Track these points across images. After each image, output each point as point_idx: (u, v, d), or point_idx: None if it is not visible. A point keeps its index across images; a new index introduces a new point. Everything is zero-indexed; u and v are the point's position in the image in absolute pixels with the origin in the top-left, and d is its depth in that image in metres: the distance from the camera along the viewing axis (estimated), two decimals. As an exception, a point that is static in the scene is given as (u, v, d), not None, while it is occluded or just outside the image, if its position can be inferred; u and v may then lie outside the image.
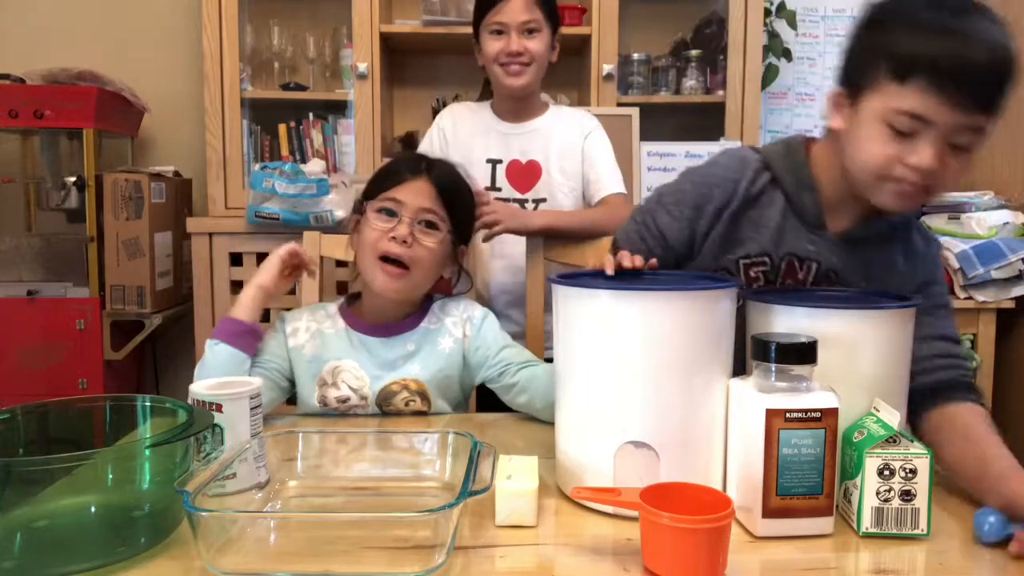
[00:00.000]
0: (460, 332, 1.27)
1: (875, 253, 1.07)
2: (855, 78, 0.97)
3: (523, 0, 1.72)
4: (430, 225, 1.22)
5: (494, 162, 1.77)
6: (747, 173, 1.09)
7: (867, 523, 0.80)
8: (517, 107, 1.78)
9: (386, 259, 1.20)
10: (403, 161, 1.30)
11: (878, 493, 0.80)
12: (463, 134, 1.80)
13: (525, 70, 1.70)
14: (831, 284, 1.07)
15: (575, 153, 1.77)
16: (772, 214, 1.08)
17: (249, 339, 1.19)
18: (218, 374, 1.07)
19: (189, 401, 0.92)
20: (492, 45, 1.71)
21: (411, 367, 1.24)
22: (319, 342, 1.25)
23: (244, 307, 1.21)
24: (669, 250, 1.13)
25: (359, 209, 1.28)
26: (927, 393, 0.99)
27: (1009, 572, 0.75)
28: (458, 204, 1.27)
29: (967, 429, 0.94)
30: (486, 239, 1.58)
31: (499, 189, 1.75)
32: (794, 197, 1.07)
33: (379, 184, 1.25)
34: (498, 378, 1.25)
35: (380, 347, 1.25)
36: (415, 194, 1.22)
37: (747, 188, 1.08)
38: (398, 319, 1.27)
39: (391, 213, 1.21)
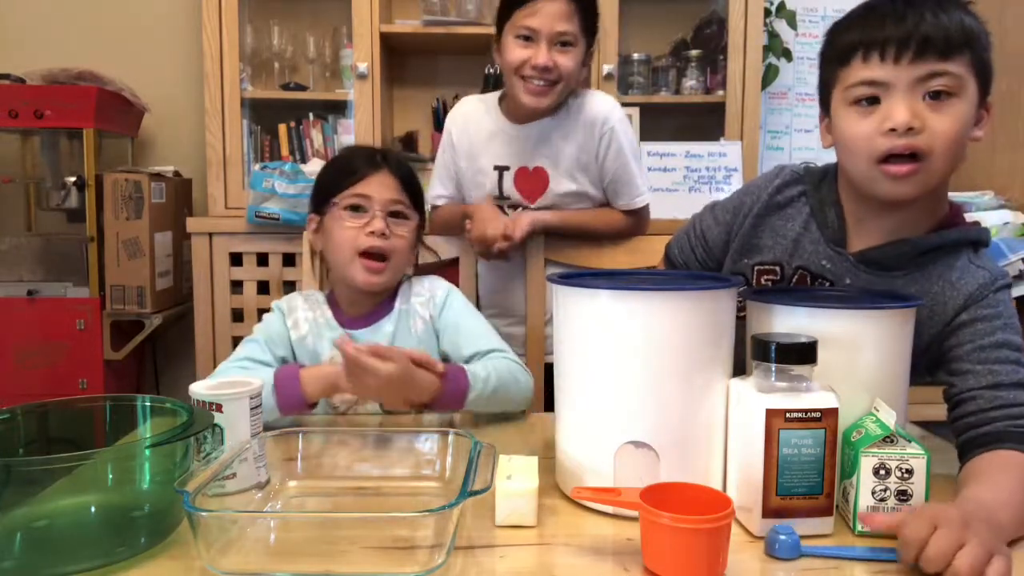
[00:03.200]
0: (427, 312, 1.29)
1: (903, 282, 0.99)
2: (824, 97, 1.01)
3: (562, 5, 1.47)
4: (400, 215, 1.25)
5: (501, 169, 1.61)
6: (776, 182, 1.09)
7: (861, 523, 0.80)
8: (529, 112, 1.57)
9: (365, 255, 1.21)
10: (359, 157, 1.28)
11: (873, 492, 0.80)
12: (471, 139, 1.64)
13: (549, 90, 1.49)
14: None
15: (589, 162, 1.59)
16: (794, 225, 1.06)
17: (293, 407, 1.13)
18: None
19: (189, 401, 0.92)
20: (517, 52, 1.48)
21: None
22: (316, 334, 1.26)
23: (315, 389, 1.13)
24: (709, 252, 1.17)
25: (318, 209, 1.28)
26: (976, 444, 0.90)
27: (1013, 571, 0.75)
28: (415, 190, 1.30)
29: (986, 468, 0.86)
30: (491, 257, 1.52)
31: (507, 198, 1.62)
32: (817, 210, 1.05)
33: (338, 182, 1.25)
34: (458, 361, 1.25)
35: (368, 336, 1.26)
36: (380, 187, 1.23)
37: (772, 194, 1.08)
38: (375, 305, 1.29)
39: (361, 209, 1.23)
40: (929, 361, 0.99)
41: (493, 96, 1.67)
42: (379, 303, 1.29)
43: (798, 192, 1.08)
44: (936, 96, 0.90)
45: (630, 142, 1.61)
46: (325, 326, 1.27)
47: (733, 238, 1.12)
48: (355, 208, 1.23)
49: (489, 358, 1.22)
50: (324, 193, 1.27)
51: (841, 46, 0.95)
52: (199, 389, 0.94)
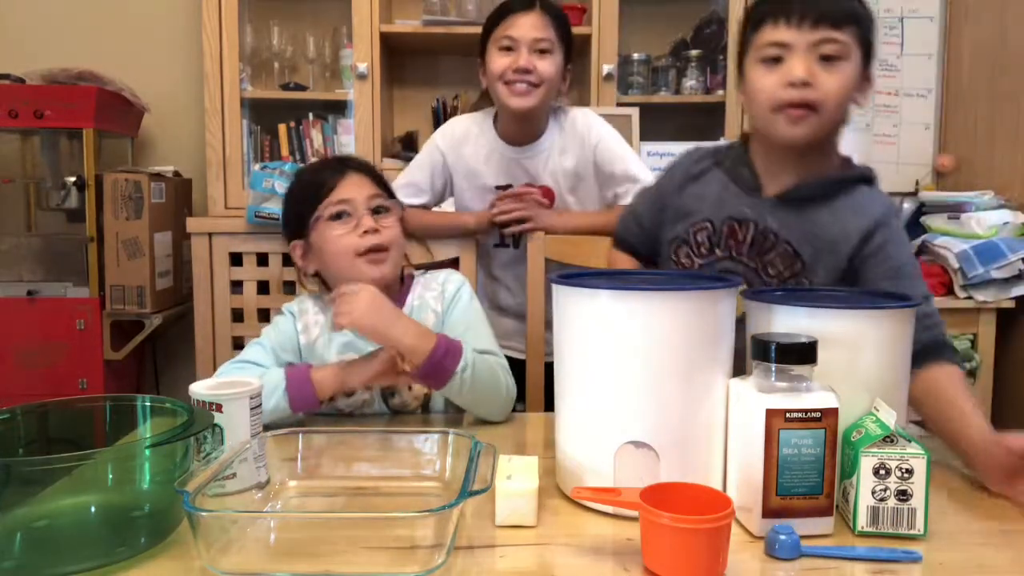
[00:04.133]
0: (439, 306, 1.29)
1: (816, 215, 1.15)
2: (740, 63, 1.18)
3: (537, 17, 1.61)
4: (381, 210, 1.25)
5: (503, 188, 1.70)
6: (690, 158, 1.29)
7: (862, 522, 0.80)
8: (522, 129, 1.67)
9: (364, 254, 1.21)
10: (323, 170, 1.27)
11: (873, 492, 0.80)
12: (466, 162, 1.71)
13: (532, 91, 1.59)
14: (770, 244, 1.17)
15: (587, 175, 1.69)
16: (713, 187, 1.23)
17: (305, 406, 1.15)
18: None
19: (189, 401, 0.92)
20: (499, 61, 1.60)
21: None
22: (326, 337, 1.26)
23: (326, 387, 1.15)
24: (644, 229, 1.34)
25: (297, 235, 1.27)
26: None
27: (1013, 571, 0.75)
28: (384, 182, 1.30)
29: (945, 391, 1.02)
30: (510, 233, 1.57)
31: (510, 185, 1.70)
32: (731, 170, 1.22)
33: (311, 200, 1.24)
34: None
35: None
36: (356, 188, 1.24)
37: (687, 168, 1.27)
38: None
39: (344, 215, 1.22)
40: (849, 276, 1.16)
41: (484, 116, 1.74)
42: (391, 300, 1.27)
43: (709, 164, 1.25)
44: (828, 59, 1.08)
45: (621, 143, 1.70)
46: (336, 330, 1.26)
47: (666, 212, 1.28)
48: (339, 216, 1.22)
49: (482, 356, 1.22)
50: (299, 216, 1.25)
51: (756, 15, 1.13)
52: (199, 389, 0.94)
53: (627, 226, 1.39)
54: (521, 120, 1.65)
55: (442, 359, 1.11)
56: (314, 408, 1.15)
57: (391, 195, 1.30)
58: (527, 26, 1.60)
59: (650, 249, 1.34)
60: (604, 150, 1.67)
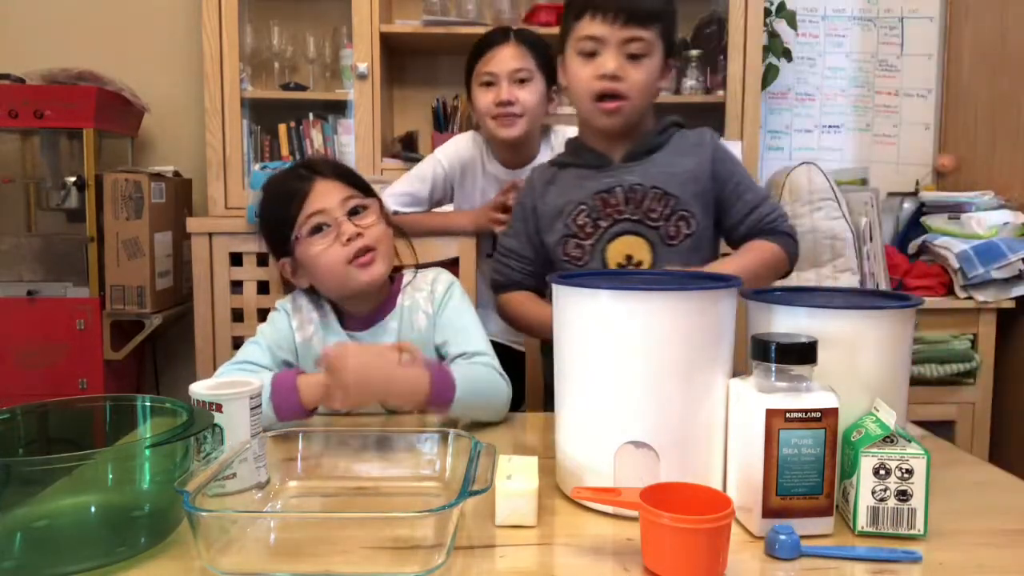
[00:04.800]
0: (429, 307, 1.28)
1: (662, 160, 1.35)
2: (563, 42, 1.34)
3: (512, 48, 1.68)
4: (357, 210, 1.23)
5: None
6: (536, 173, 1.45)
7: (862, 522, 0.80)
8: (516, 154, 1.76)
9: (353, 259, 1.20)
10: (287, 183, 1.24)
11: (873, 492, 0.80)
12: (467, 182, 1.80)
13: (516, 121, 1.67)
14: (641, 194, 1.32)
15: None
16: (569, 180, 1.38)
17: (291, 415, 1.11)
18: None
19: (189, 401, 0.92)
20: (484, 97, 1.69)
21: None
22: (322, 335, 1.26)
23: (312, 396, 1.12)
24: (529, 259, 1.42)
25: (283, 253, 1.24)
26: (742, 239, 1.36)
27: (1013, 571, 0.75)
28: (355, 177, 1.28)
29: (741, 250, 1.35)
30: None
31: None
32: (575, 159, 1.39)
33: (285, 215, 1.21)
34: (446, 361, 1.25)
35: (370, 338, 1.26)
36: (327, 194, 1.21)
37: (538, 180, 1.42)
38: (378, 303, 1.27)
39: (321, 228, 1.20)
40: (715, 199, 1.36)
41: (480, 140, 1.83)
42: (381, 301, 1.28)
43: (554, 169, 1.41)
44: (634, 57, 1.27)
45: None
46: (330, 328, 1.26)
47: (540, 221, 1.39)
48: (318, 229, 1.20)
49: (472, 361, 1.21)
50: (279, 235, 1.23)
51: (576, 6, 1.29)
52: (199, 389, 0.94)
53: (507, 269, 1.43)
54: (512, 147, 1.75)
55: (437, 398, 1.10)
56: (301, 417, 1.11)
57: (365, 189, 1.27)
58: (505, 59, 1.68)
59: (538, 278, 1.40)
60: None
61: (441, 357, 1.26)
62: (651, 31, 1.26)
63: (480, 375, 1.18)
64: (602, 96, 1.28)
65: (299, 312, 1.28)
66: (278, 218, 1.23)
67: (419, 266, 1.35)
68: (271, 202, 1.27)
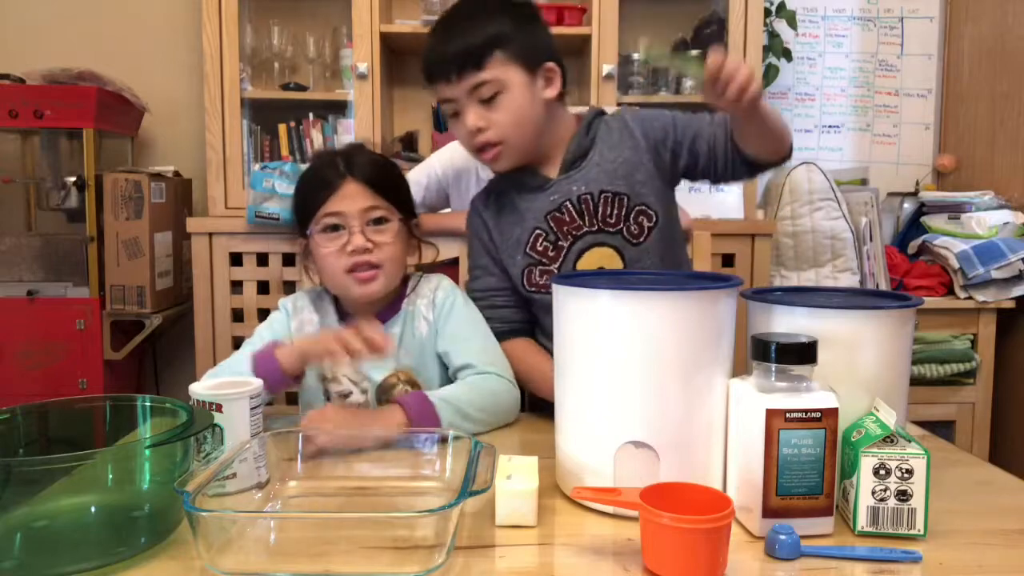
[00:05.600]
0: (430, 315, 1.26)
1: (598, 159, 1.28)
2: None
3: None
4: (379, 221, 1.20)
5: None
6: (476, 203, 1.39)
7: (862, 522, 0.80)
8: None
9: (352, 270, 1.19)
10: (322, 170, 1.22)
11: (874, 492, 0.80)
12: (460, 187, 1.79)
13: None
14: (592, 202, 1.26)
15: None
16: (512, 206, 1.32)
17: (276, 383, 1.12)
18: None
19: (189, 401, 0.92)
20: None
21: (399, 355, 1.24)
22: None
23: (291, 361, 1.13)
24: (502, 290, 1.34)
25: (301, 232, 1.23)
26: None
27: (1013, 571, 0.75)
28: (391, 187, 1.23)
29: None
30: None
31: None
32: (513, 186, 1.32)
33: (309, 201, 1.20)
34: (450, 371, 1.25)
35: None
36: (351, 199, 1.18)
37: (484, 210, 1.36)
38: (382, 308, 1.26)
39: (336, 228, 1.19)
40: (668, 169, 1.30)
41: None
42: (385, 305, 1.27)
43: (491, 196, 1.36)
44: (487, 101, 1.20)
45: None
46: (334, 327, 1.26)
47: (501, 249, 1.33)
48: (333, 227, 1.19)
49: (474, 376, 1.20)
50: (302, 216, 1.23)
51: (425, 77, 1.26)
52: (199, 389, 0.94)
53: (497, 311, 1.33)
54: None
55: (420, 423, 1.09)
56: (288, 385, 1.15)
57: (398, 202, 1.23)
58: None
59: (528, 305, 1.34)
60: None
61: (445, 367, 1.26)
62: (493, 66, 1.19)
63: (480, 388, 1.16)
64: (480, 148, 1.24)
65: (299, 314, 1.28)
66: (302, 202, 1.23)
67: (422, 267, 1.34)
68: (303, 182, 1.25)
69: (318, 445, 0.98)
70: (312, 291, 1.31)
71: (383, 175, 1.23)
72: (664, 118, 1.29)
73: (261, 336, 1.26)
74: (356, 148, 1.25)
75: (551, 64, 1.25)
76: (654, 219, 1.27)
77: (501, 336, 1.30)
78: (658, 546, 0.72)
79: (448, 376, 1.26)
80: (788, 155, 1.24)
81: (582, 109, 1.37)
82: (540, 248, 1.29)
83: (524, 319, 1.34)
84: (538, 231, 1.29)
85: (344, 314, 1.28)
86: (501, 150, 1.23)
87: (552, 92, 1.25)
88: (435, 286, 1.29)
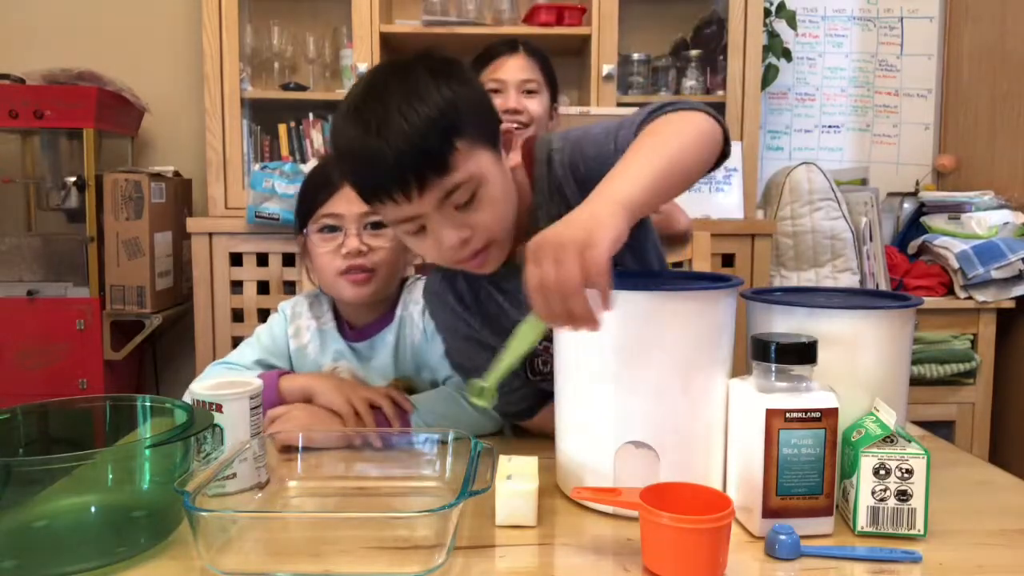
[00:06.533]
0: (422, 323, 1.24)
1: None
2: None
3: (522, 59, 1.67)
4: (377, 226, 1.18)
5: None
6: (435, 293, 1.11)
7: (862, 522, 0.80)
8: None
9: (346, 273, 1.18)
10: (326, 170, 1.20)
11: (873, 492, 0.80)
12: None
13: (524, 131, 1.64)
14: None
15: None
16: (487, 296, 1.07)
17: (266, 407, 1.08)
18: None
19: (189, 401, 0.92)
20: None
21: (394, 364, 1.23)
22: (319, 343, 1.25)
23: (295, 399, 1.11)
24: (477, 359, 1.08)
25: (299, 229, 1.23)
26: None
27: (1013, 571, 0.75)
28: None
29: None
30: None
31: None
32: (483, 279, 1.05)
33: (311, 200, 1.20)
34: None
35: (367, 350, 1.24)
36: (350, 202, 1.15)
37: (450, 298, 1.09)
38: (378, 315, 1.26)
39: (334, 229, 1.18)
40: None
41: None
42: (382, 312, 1.26)
43: (448, 285, 1.09)
44: (467, 204, 0.90)
45: None
46: (327, 336, 1.26)
47: (487, 336, 1.07)
48: (330, 228, 1.18)
49: (453, 385, 1.18)
50: (302, 214, 1.22)
51: (358, 190, 0.93)
52: (199, 389, 0.93)
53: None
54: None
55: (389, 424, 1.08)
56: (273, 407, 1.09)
57: None
58: (514, 68, 1.64)
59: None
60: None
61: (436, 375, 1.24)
62: (458, 167, 0.88)
63: (442, 406, 1.13)
64: (471, 257, 0.95)
65: (297, 319, 1.27)
66: (303, 199, 1.22)
67: (422, 268, 1.33)
68: (308, 180, 1.24)
69: (279, 443, 0.96)
70: (310, 295, 1.31)
71: None
72: (585, 144, 1.00)
73: (260, 339, 1.26)
74: None
75: (504, 124, 0.98)
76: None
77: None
78: (658, 546, 0.72)
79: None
80: (725, 156, 0.95)
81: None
82: (540, 363, 1.09)
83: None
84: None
85: (341, 319, 1.28)
86: (489, 252, 0.96)
87: (516, 157, 1.00)
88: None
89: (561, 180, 1.00)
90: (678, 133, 0.87)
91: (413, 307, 1.25)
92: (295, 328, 1.26)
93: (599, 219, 0.75)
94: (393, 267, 1.22)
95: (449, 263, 0.98)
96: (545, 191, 1.01)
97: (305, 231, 1.21)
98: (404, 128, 0.85)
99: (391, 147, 0.85)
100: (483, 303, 1.07)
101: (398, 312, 1.25)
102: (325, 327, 1.26)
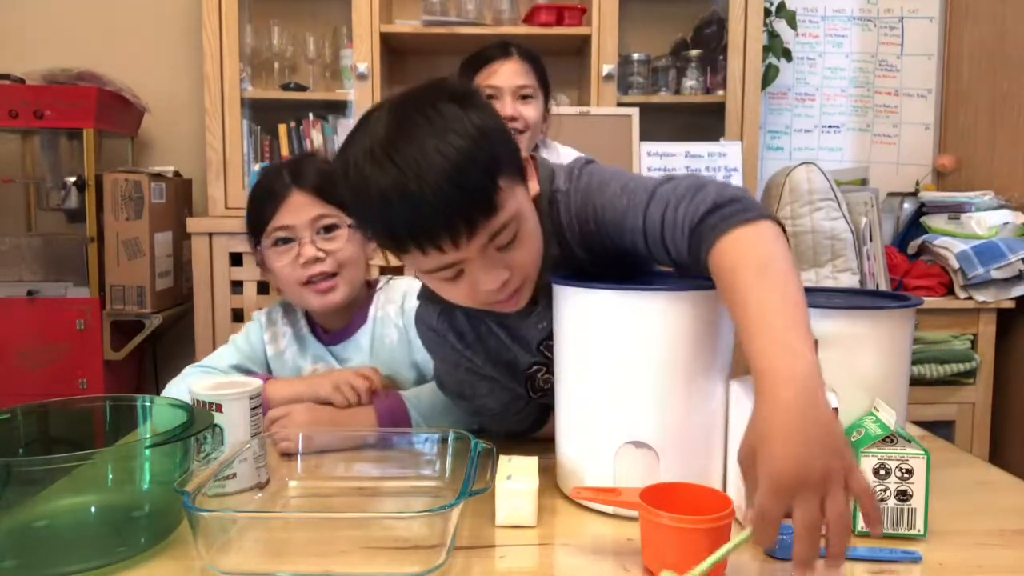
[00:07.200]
0: (400, 321, 1.23)
1: (563, 268, 0.95)
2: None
3: (516, 64, 1.66)
4: (329, 229, 1.17)
5: None
6: (432, 328, 1.03)
7: (863, 522, 0.80)
8: None
9: (309, 283, 1.17)
10: (268, 183, 1.19)
11: (874, 492, 0.80)
12: None
13: (520, 137, 1.63)
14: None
15: None
16: (488, 333, 1.02)
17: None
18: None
19: (189, 401, 0.92)
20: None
21: (371, 364, 1.21)
22: (296, 347, 1.25)
23: (282, 399, 1.11)
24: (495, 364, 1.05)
25: (255, 242, 1.21)
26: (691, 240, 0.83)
27: (1013, 571, 0.75)
28: (336, 192, 1.13)
29: (726, 279, 0.78)
30: None
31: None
32: (485, 315, 0.99)
33: (259, 216, 1.18)
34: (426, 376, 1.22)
35: (342, 352, 1.24)
36: (298, 210, 1.15)
37: (448, 333, 1.02)
38: (351, 316, 1.25)
39: (287, 240, 1.17)
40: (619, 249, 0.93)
41: None
42: (354, 314, 1.24)
43: (450, 315, 1.02)
44: (502, 248, 0.84)
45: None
46: (304, 341, 1.25)
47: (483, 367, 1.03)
48: (283, 240, 1.17)
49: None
50: (254, 231, 1.20)
51: (393, 243, 0.84)
52: (199, 389, 0.93)
53: (484, 404, 1.07)
54: None
55: (392, 423, 1.09)
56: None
57: (345, 207, 1.15)
58: (509, 74, 1.63)
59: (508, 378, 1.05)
60: None
61: (421, 373, 1.23)
62: (504, 204, 0.81)
63: (440, 400, 1.12)
64: (508, 298, 0.89)
65: (273, 326, 1.26)
66: (251, 215, 1.20)
67: (387, 271, 1.32)
68: (251, 197, 1.22)
69: (280, 450, 0.96)
70: (284, 303, 1.29)
71: (328, 181, 1.16)
72: (590, 211, 0.92)
73: (236, 345, 1.25)
74: (304, 158, 1.23)
75: (525, 154, 0.91)
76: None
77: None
78: (658, 546, 0.72)
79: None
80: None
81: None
82: (542, 380, 1.03)
83: (511, 397, 1.06)
84: (536, 365, 1.02)
85: (315, 324, 1.27)
86: (523, 290, 0.90)
87: (534, 186, 0.91)
88: (404, 291, 1.26)
89: (564, 226, 0.94)
90: (787, 271, 0.76)
91: (389, 307, 1.24)
92: (271, 334, 1.26)
93: (833, 431, 0.67)
94: (356, 266, 1.20)
95: (481, 305, 0.91)
96: (546, 228, 0.93)
97: (259, 247, 1.19)
98: (445, 167, 0.77)
99: (433, 190, 0.77)
100: (484, 339, 1.02)
101: (371, 313, 1.24)
102: (300, 333, 1.26)
